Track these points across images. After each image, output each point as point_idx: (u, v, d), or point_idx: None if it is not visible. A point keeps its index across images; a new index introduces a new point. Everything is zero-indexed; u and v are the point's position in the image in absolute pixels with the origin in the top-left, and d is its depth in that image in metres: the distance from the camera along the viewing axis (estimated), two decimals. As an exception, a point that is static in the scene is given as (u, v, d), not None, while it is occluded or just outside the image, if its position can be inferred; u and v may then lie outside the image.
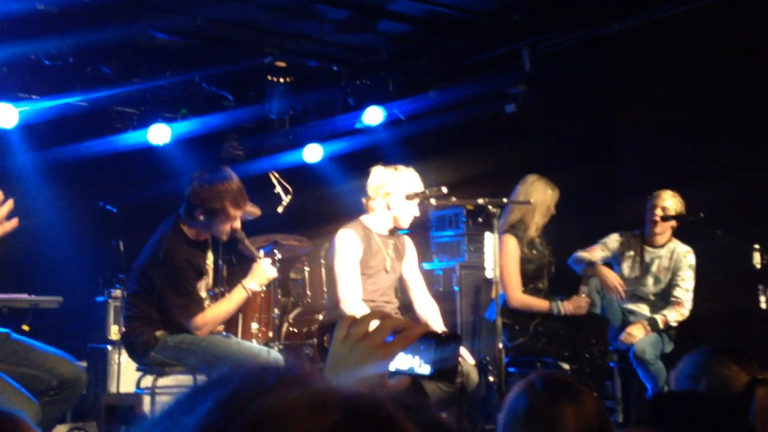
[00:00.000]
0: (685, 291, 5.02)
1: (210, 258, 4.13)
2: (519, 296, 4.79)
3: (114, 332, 6.00)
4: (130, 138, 7.08)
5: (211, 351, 3.85)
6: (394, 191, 4.16)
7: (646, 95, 6.20)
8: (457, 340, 1.20)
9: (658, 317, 4.91)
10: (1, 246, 2.83)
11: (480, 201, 4.16)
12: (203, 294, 4.07)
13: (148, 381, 4.15)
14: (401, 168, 4.23)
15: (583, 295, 4.91)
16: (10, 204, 2.74)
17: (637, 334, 4.81)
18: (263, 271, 3.92)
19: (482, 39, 6.70)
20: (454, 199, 4.27)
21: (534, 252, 4.91)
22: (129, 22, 5.97)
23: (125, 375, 5.57)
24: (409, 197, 4.16)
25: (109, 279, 6.22)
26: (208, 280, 4.14)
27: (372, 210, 4.24)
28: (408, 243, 4.42)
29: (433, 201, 4.20)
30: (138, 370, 4.16)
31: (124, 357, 5.22)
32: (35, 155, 6.74)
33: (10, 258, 3.69)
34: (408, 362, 1.12)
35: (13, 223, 2.77)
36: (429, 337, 1.13)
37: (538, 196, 4.88)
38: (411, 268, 4.39)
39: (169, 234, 3.92)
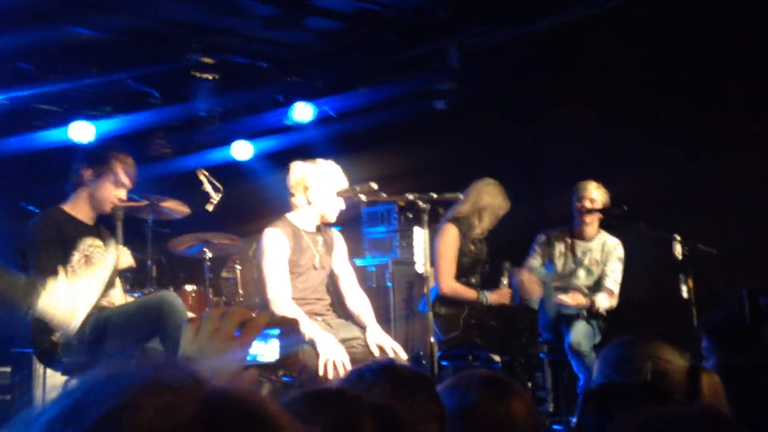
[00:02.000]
0: (614, 282, 5.15)
1: (96, 242, 3.85)
2: (450, 284, 4.83)
3: (37, 336, 5.82)
4: (52, 136, 6.88)
5: (110, 325, 3.55)
6: (315, 185, 4.11)
7: (571, 91, 6.33)
8: (296, 325, 1.25)
9: (594, 299, 5.03)
10: None
11: (410, 196, 4.15)
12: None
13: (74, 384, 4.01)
14: (320, 161, 4.18)
15: (504, 287, 5.06)
16: None
17: (569, 301, 4.96)
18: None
19: (411, 36, 6.72)
20: (384, 194, 4.24)
21: (472, 247, 4.96)
22: (50, 17, 5.78)
23: (51, 379, 5.41)
24: (339, 194, 4.14)
25: (31, 281, 6.01)
26: (89, 264, 3.81)
27: (296, 207, 4.18)
28: (337, 236, 4.38)
29: (363, 197, 4.17)
30: (63, 374, 4.02)
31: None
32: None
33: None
34: (253, 352, 1.16)
35: None
36: (272, 325, 1.17)
37: (489, 199, 4.93)
38: (341, 262, 4.36)
39: (44, 212, 3.67)
